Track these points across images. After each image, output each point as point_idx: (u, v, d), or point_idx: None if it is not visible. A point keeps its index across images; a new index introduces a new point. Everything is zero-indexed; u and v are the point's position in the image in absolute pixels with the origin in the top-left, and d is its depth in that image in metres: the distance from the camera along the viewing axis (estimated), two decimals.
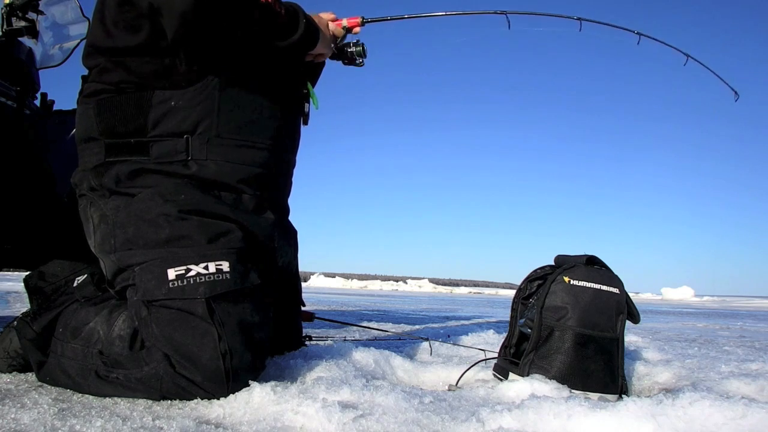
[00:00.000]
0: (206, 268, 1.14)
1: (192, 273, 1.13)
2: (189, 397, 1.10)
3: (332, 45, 1.51)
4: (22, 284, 1.43)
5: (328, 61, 1.56)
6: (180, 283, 1.13)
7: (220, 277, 1.14)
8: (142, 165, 1.22)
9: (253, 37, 1.22)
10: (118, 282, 1.22)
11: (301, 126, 1.49)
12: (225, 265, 1.16)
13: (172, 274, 1.13)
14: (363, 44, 1.57)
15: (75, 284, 1.36)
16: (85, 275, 1.37)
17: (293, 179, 1.52)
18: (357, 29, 1.56)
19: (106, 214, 1.23)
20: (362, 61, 1.59)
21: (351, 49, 1.57)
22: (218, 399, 1.08)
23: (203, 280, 1.13)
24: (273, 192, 1.38)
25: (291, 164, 1.48)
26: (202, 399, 1.10)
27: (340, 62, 1.60)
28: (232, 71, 1.26)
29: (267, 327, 1.23)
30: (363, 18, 1.56)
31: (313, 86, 1.51)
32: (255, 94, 1.30)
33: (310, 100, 1.49)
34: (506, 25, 1.74)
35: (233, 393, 1.09)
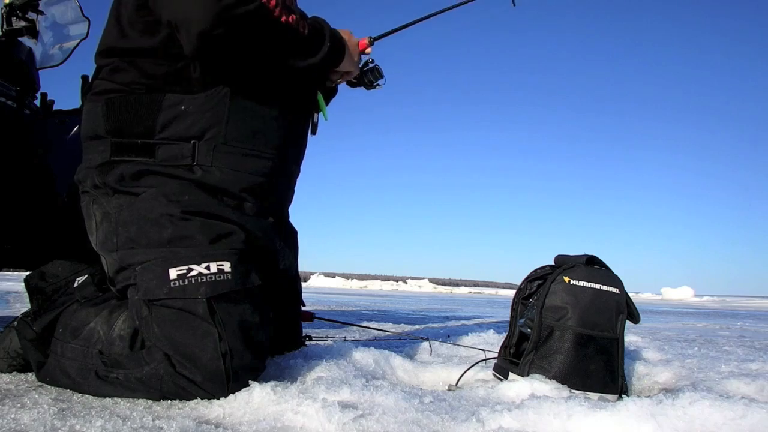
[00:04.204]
0: (208, 268, 1.14)
1: (193, 273, 1.13)
2: (189, 397, 1.10)
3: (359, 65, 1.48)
4: (22, 284, 1.43)
5: None
6: (181, 283, 1.13)
7: (222, 278, 1.14)
8: (147, 166, 1.21)
9: (272, 58, 1.22)
10: (119, 280, 1.22)
11: (308, 136, 1.47)
12: (226, 266, 1.16)
13: (173, 273, 1.13)
14: (378, 66, 1.53)
15: (75, 285, 1.36)
16: (86, 276, 1.37)
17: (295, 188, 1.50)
18: (368, 50, 1.51)
19: (109, 212, 1.22)
20: (382, 82, 1.55)
21: (369, 77, 1.53)
22: (218, 399, 1.08)
23: (204, 280, 1.13)
24: (274, 200, 1.38)
25: (295, 174, 1.47)
26: (202, 399, 1.10)
27: (363, 88, 1.57)
28: (245, 80, 1.25)
29: (267, 327, 1.23)
30: (371, 38, 1.51)
31: (327, 104, 1.49)
32: (265, 103, 1.29)
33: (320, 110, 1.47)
34: (510, 3, 1.73)
35: (233, 393, 1.09)
